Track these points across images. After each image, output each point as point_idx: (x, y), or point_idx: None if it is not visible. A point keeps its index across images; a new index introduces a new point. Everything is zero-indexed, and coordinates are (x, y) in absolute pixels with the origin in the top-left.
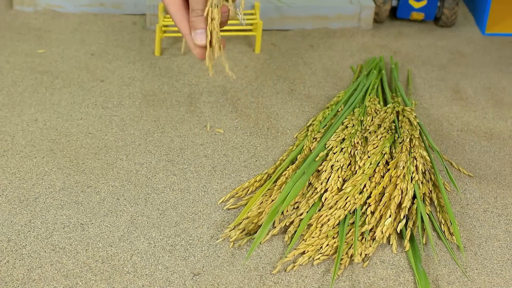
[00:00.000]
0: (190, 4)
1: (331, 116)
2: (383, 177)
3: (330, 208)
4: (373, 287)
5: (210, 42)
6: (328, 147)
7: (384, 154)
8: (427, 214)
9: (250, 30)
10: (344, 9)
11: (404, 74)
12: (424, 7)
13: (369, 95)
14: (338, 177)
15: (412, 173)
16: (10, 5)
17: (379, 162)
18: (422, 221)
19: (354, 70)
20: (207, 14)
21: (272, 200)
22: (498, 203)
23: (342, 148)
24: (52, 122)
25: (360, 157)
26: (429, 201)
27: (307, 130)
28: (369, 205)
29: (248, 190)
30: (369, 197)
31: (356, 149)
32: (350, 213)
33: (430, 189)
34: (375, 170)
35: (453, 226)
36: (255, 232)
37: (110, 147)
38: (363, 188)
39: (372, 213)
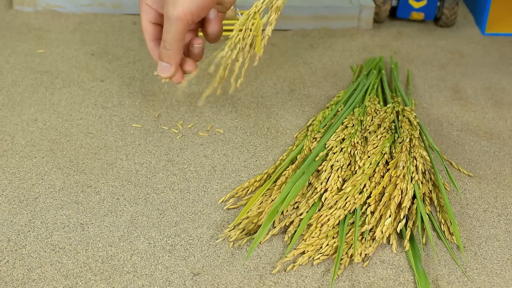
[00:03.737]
0: (163, 32)
1: (331, 116)
2: (383, 177)
3: (330, 208)
4: (373, 287)
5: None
6: (328, 147)
7: (384, 154)
8: (427, 214)
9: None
10: (344, 9)
11: (404, 74)
12: (424, 7)
13: (369, 95)
14: (338, 177)
15: (412, 173)
16: (10, 5)
17: (379, 162)
18: (422, 221)
19: (354, 70)
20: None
21: (272, 200)
22: (498, 203)
23: (342, 148)
24: (52, 122)
25: (360, 157)
26: (429, 201)
27: (307, 130)
28: (369, 205)
29: (248, 190)
30: (369, 197)
31: (356, 149)
32: (350, 213)
33: (430, 189)
34: (375, 170)
35: (453, 226)
36: (255, 232)
37: (110, 147)
38: (363, 188)
39: (372, 213)
